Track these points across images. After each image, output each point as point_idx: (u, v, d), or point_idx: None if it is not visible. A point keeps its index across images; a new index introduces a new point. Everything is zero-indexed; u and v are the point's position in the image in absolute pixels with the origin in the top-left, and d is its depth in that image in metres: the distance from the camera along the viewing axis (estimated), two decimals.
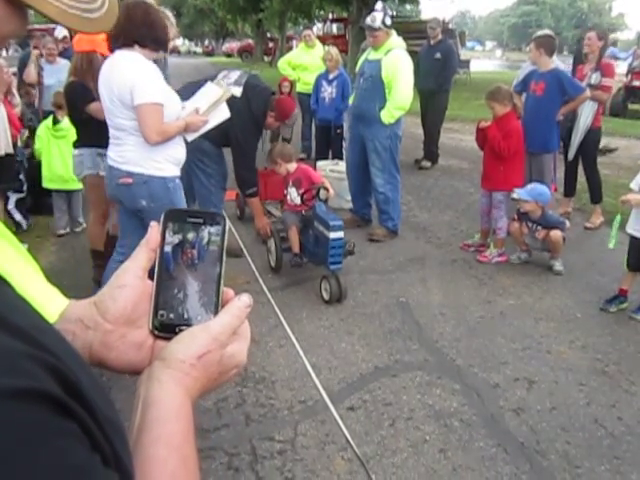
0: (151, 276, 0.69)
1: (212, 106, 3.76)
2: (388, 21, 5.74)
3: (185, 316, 0.68)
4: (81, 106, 4.36)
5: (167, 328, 0.68)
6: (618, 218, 4.84)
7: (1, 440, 0.38)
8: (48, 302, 0.66)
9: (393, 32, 5.90)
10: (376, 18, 5.70)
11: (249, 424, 3.23)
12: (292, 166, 5.15)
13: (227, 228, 0.70)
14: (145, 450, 0.56)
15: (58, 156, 5.93)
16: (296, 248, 4.94)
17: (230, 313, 0.67)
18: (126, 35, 3.43)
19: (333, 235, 4.48)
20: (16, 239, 0.62)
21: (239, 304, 0.67)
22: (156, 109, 3.44)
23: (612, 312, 4.59)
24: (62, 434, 0.42)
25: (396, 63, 5.73)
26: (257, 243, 5.82)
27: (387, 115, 5.75)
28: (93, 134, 4.42)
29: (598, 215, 6.60)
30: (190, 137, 3.75)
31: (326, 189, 4.80)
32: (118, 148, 3.61)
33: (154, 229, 0.69)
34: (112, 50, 3.57)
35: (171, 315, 0.68)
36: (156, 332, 0.68)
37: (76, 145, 4.63)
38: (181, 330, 0.66)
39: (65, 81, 7.56)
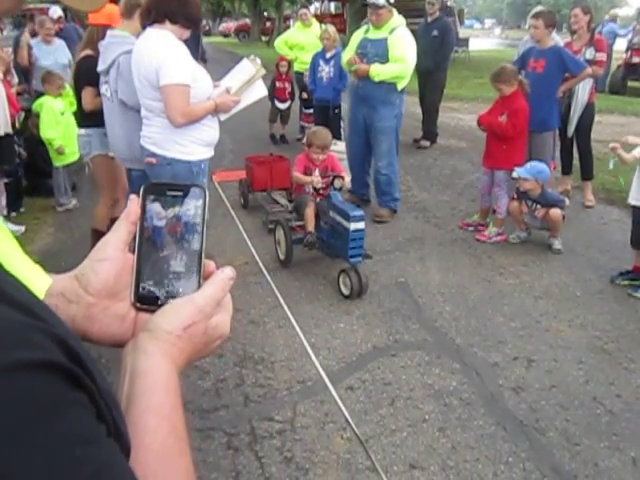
0: (132, 249, 0.69)
1: (244, 85, 3.64)
2: None
3: (167, 289, 0.68)
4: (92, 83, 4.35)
5: (149, 301, 0.68)
6: (615, 161, 4.84)
7: (20, 411, 0.39)
8: (34, 279, 0.65)
9: (394, 10, 5.82)
10: None
11: (248, 404, 3.23)
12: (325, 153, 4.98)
13: (207, 200, 0.69)
14: (135, 420, 0.57)
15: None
16: (311, 226, 4.70)
17: (214, 285, 0.67)
18: (157, 9, 3.37)
19: (354, 226, 4.26)
20: None
21: (222, 276, 0.68)
22: (181, 90, 3.37)
23: (617, 285, 4.61)
24: (74, 404, 0.44)
25: (403, 43, 5.64)
26: (257, 225, 5.81)
27: (378, 72, 5.62)
28: (101, 114, 4.35)
29: (590, 192, 6.59)
30: (223, 117, 3.68)
31: (342, 177, 4.65)
32: (147, 128, 3.62)
33: (134, 202, 0.69)
34: (144, 27, 3.50)
35: (152, 288, 0.68)
36: (138, 305, 0.69)
37: (82, 124, 4.58)
38: (163, 303, 0.67)
39: (61, 61, 7.54)
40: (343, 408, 3.15)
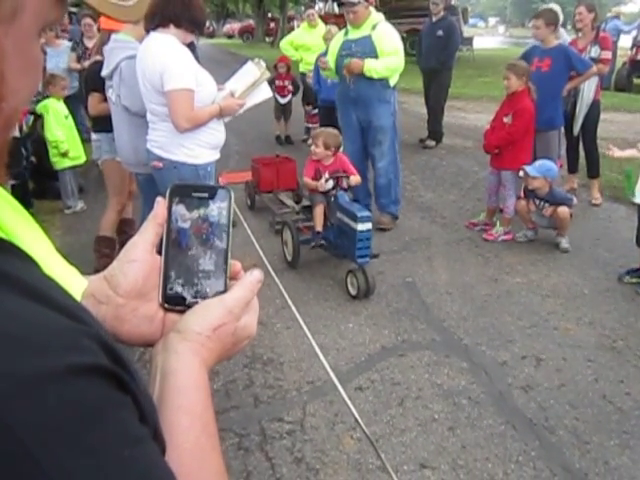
0: (160, 251, 0.71)
1: (249, 88, 3.63)
2: None
3: (194, 289, 0.70)
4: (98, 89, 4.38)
5: (176, 301, 0.70)
6: (629, 170, 4.84)
7: (72, 414, 0.40)
8: (71, 281, 0.67)
9: (372, 7, 5.61)
10: None
11: (258, 405, 3.24)
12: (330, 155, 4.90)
13: (232, 202, 0.71)
14: (167, 419, 0.58)
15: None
16: (319, 226, 4.69)
17: (243, 287, 0.69)
18: (162, 13, 3.37)
19: (361, 227, 4.26)
20: (33, 220, 0.62)
21: (251, 278, 0.70)
22: (186, 95, 3.37)
23: (625, 282, 4.61)
24: (121, 406, 0.45)
25: (390, 36, 5.48)
26: (264, 226, 5.82)
27: (373, 67, 5.37)
28: (109, 119, 4.34)
29: (596, 190, 6.58)
30: (227, 118, 3.68)
31: (347, 177, 4.63)
32: (153, 132, 3.62)
33: (160, 204, 0.70)
34: (147, 31, 3.49)
35: (180, 288, 0.70)
36: (166, 305, 0.70)
37: (95, 129, 4.64)
38: (191, 303, 0.68)
39: (65, 65, 7.58)
40: (352, 408, 3.15)
